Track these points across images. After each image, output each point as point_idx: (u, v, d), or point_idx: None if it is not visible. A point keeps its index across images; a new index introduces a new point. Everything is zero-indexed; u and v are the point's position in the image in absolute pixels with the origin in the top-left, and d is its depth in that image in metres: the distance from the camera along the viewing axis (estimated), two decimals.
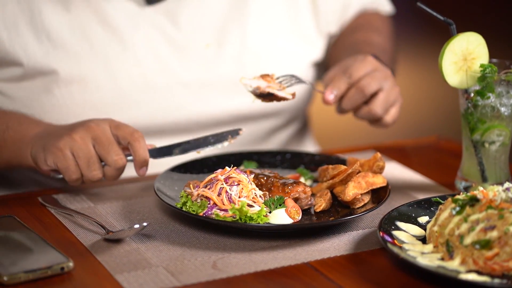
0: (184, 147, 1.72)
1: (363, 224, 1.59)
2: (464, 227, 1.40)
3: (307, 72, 2.12)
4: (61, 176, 1.66)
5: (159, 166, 1.81)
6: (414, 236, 1.49)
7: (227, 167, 1.58)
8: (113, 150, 1.63)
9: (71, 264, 1.38)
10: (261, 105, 2.05)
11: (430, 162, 2.00)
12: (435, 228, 1.45)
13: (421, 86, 4.90)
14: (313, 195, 1.64)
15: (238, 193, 1.53)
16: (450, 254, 1.40)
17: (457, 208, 1.43)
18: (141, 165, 1.66)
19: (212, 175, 1.57)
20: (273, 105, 2.07)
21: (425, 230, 1.51)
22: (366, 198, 1.62)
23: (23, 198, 1.71)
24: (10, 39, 1.88)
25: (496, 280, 1.33)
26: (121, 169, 1.65)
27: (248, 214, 1.50)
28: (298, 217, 1.56)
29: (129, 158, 1.66)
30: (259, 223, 1.50)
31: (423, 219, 1.54)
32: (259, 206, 1.54)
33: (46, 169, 1.65)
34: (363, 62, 1.82)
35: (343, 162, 1.77)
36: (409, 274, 1.39)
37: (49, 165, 1.64)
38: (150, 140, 1.93)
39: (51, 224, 1.59)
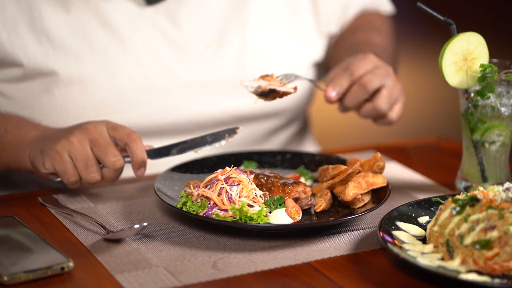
0: (181, 147, 1.72)
1: (363, 224, 1.59)
2: (464, 227, 1.40)
3: (307, 73, 2.12)
4: (59, 179, 1.66)
5: (158, 166, 1.81)
6: (414, 236, 1.49)
7: (227, 167, 1.58)
8: (110, 151, 1.63)
9: (71, 264, 1.38)
10: (261, 106, 2.05)
11: (430, 162, 2.00)
12: (435, 228, 1.45)
13: (421, 86, 4.90)
14: (313, 195, 1.64)
15: (238, 193, 1.53)
16: (450, 254, 1.40)
17: (457, 208, 1.43)
18: (139, 166, 1.66)
19: (212, 175, 1.57)
20: (273, 105, 2.07)
21: (425, 230, 1.51)
22: (366, 198, 1.62)
23: (23, 198, 1.71)
24: (10, 40, 1.88)
25: (496, 280, 1.33)
26: (119, 171, 1.65)
27: (248, 214, 1.49)
28: (298, 217, 1.56)
29: (127, 159, 1.66)
30: (259, 223, 1.50)
31: (423, 219, 1.54)
32: (259, 206, 1.54)
33: (45, 172, 1.65)
34: (364, 60, 1.82)
35: (343, 162, 1.77)
36: (409, 274, 1.39)
37: (47, 168, 1.63)
38: (150, 140, 1.93)
39: (51, 224, 1.59)
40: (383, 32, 2.23)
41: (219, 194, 1.53)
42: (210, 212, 1.52)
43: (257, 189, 1.58)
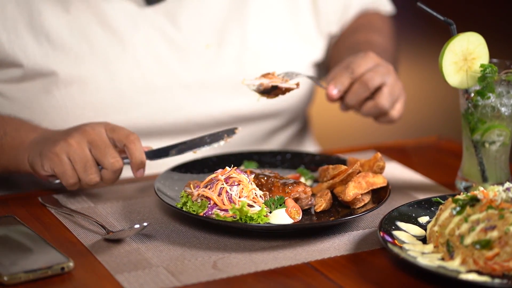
0: (180, 148, 1.72)
1: (363, 224, 1.59)
2: (465, 227, 1.40)
3: (307, 73, 2.12)
4: (58, 181, 1.66)
5: (158, 166, 1.81)
6: (414, 236, 1.49)
7: (227, 167, 1.58)
8: (109, 153, 1.63)
9: (71, 264, 1.38)
10: (261, 106, 2.06)
11: (430, 162, 2.00)
12: (436, 228, 1.45)
13: (422, 86, 4.90)
14: (313, 195, 1.64)
15: (239, 193, 1.53)
16: (450, 254, 1.40)
17: (458, 208, 1.43)
18: (138, 167, 1.66)
19: (213, 175, 1.57)
20: (273, 106, 2.07)
21: (425, 230, 1.51)
22: (367, 198, 1.62)
23: (23, 198, 1.71)
24: (9, 41, 1.88)
25: (497, 280, 1.33)
26: (118, 172, 1.65)
27: (249, 214, 1.49)
28: (299, 217, 1.56)
29: (126, 160, 1.66)
30: (259, 223, 1.50)
31: (423, 219, 1.54)
32: (260, 206, 1.54)
33: (44, 174, 1.65)
34: (365, 58, 1.82)
35: (344, 162, 1.77)
36: (409, 274, 1.39)
37: (46, 170, 1.63)
38: (150, 141, 1.93)
39: (51, 224, 1.59)
40: (383, 32, 2.23)
41: (219, 194, 1.53)
42: (210, 212, 1.52)
43: (257, 189, 1.58)
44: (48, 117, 1.91)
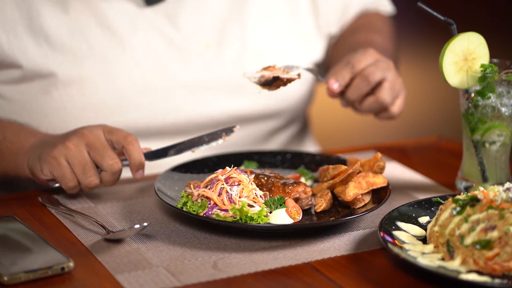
0: (179, 148, 1.71)
1: (363, 224, 1.59)
2: (465, 227, 1.40)
3: (307, 73, 2.12)
4: (58, 185, 1.66)
5: (158, 167, 1.81)
6: (414, 236, 1.49)
7: (227, 167, 1.58)
8: (107, 155, 1.62)
9: (71, 264, 1.38)
10: (261, 106, 2.06)
11: (430, 162, 2.00)
12: (436, 228, 1.45)
13: (422, 86, 4.90)
14: (313, 195, 1.64)
15: (239, 193, 1.53)
16: (450, 254, 1.40)
17: (458, 208, 1.43)
18: (137, 168, 1.66)
19: (213, 175, 1.57)
20: (273, 106, 2.07)
21: (425, 230, 1.51)
22: (367, 198, 1.62)
23: (23, 198, 1.71)
24: (8, 42, 1.88)
25: (497, 280, 1.33)
26: (117, 174, 1.65)
27: (249, 214, 1.49)
28: (299, 217, 1.56)
29: (125, 162, 1.66)
30: (259, 223, 1.50)
31: (423, 219, 1.54)
32: (260, 206, 1.54)
33: (43, 178, 1.65)
34: (365, 54, 1.82)
35: (344, 162, 1.76)
36: (409, 274, 1.39)
37: (45, 174, 1.63)
38: (149, 141, 1.93)
39: (52, 224, 1.59)
40: (383, 33, 2.23)
41: (220, 194, 1.53)
42: (210, 212, 1.52)
43: (258, 189, 1.58)
44: (47, 118, 1.91)
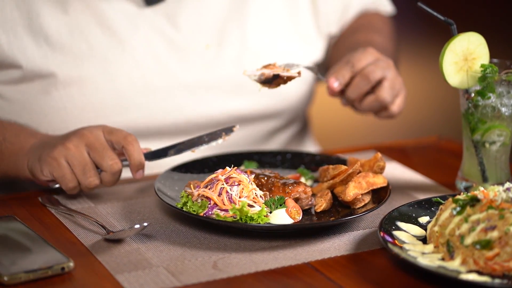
0: (179, 148, 1.71)
1: (363, 224, 1.59)
2: (465, 227, 1.40)
3: (307, 73, 2.12)
4: (58, 185, 1.66)
5: (158, 167, 1.81)
6: (414, 236, 1.49)
7: (227, 167, 1.58)
8: (107, 155, 1.62)
9: (71, 264, 1.38)
10: (261, 107, 2.06)
11: (430, 162, 2.00)
12: (436, 228, 1.45)
13: (422, 86, 4.90)
14: (313, 195, 1.64)
15: (239, 193, 1.53)
16: (450, 254, 1.40)
17: (458, 208, 1.43)
18: (137, 168, 1.66)
19: (213, 175, 1.57)
20: (273, 106, 2.07)
21: (425, 230, 1.51)
22: (367, 198, 1.62)
23: (23, 198, 1.71)
24: (8, 42, 1.88)
25: (497, 280, 1.33)
26: (118, 174, 1.65)
27: (249, 214, 1.49)
28: (299, 217, 1.56)
29: (125, 162, 1.66)
30: (259, 223, 1.50)
31: (423, 219, 1.54)
32: (260, 206, 1.54)
33: (44, 179, 1.65)
34: (365, 53, 1.82)
35: (344, 162, 1.76)
36: (409, 274, 1.39)
37: (45, 175, 1.63)
38: (149, 141, 1.93)
39: (52, 224, 1.59)
40: (383, 33, 2.23)
41: (220, 194, 1.53)
42: (210, 212, 1.52)
43: (258, 189, 1.58)
44: (47, 118, 1.91)
